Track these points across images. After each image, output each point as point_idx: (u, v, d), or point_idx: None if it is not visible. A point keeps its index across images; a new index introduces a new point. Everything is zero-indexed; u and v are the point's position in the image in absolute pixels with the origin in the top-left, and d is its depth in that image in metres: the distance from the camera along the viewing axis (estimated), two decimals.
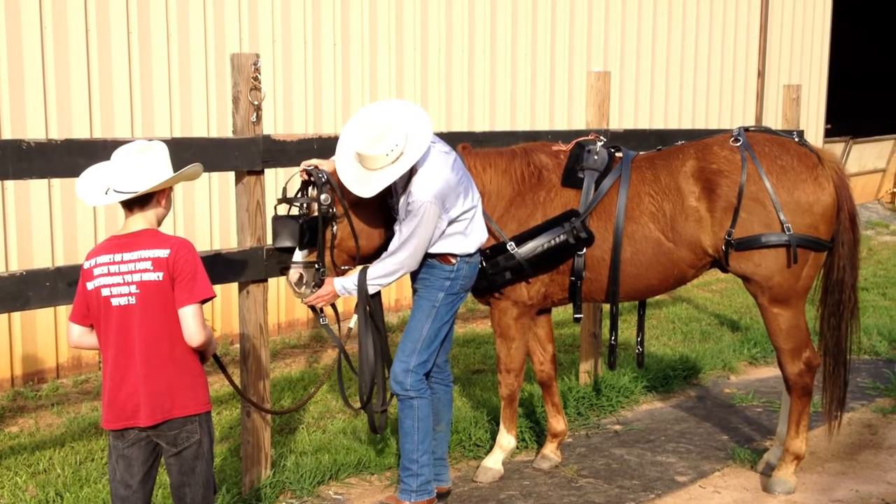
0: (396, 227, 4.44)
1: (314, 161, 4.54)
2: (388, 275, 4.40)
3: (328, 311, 4.67)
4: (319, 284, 4.47)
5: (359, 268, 4.56)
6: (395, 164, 4.23)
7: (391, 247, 4.40)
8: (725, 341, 7.90)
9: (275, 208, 4.64)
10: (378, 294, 4.56)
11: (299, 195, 4.54)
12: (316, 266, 4.46)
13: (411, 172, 4.32)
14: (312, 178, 4.44)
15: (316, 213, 4.44)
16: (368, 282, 4.41)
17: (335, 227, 4.45)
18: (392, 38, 9.08)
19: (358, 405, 4.80)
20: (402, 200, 4.39)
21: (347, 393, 5.27)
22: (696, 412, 6.30)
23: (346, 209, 4.45)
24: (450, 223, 4.40)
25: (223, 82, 7.72)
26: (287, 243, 4.46)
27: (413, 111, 4.36)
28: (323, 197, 4.38)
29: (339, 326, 4.80)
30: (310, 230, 4.42)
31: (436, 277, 4.51)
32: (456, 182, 4.39)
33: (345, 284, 4.45)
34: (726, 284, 10.42)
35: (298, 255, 4.48)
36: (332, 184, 4.41)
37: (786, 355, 4.80)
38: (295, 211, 4.55)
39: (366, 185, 4.26)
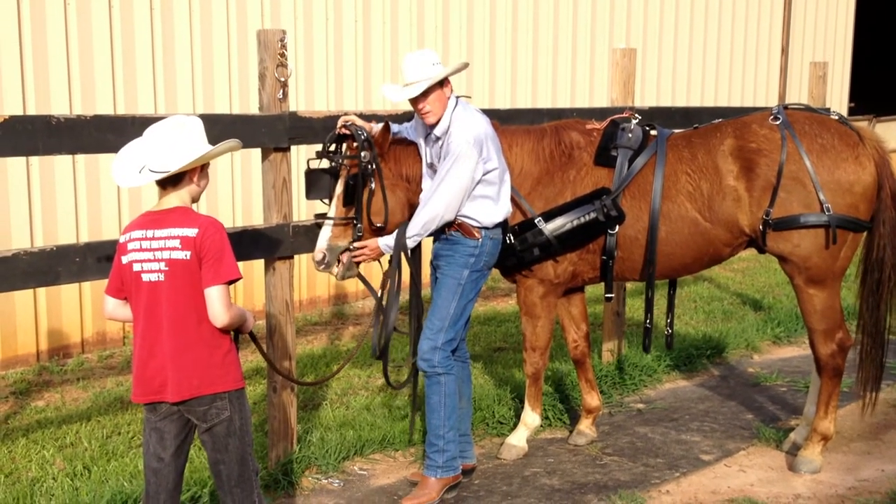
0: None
1: (352, 117, 4.55)
2: (424, 225, 4.40)
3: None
4: (357, 240, 4.52)
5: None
6: (434, 65, 4.29)
7: (424, 196, 4.42)
8: (748, 321, 7.86)
9: (308, 162, 4.65)
10: (417, 252, 4.62)
11: (335, 150, 4.58)
12: (354, 222, 4.49)
13: (449, 122, 4.36)
14: (351, 133, 4.48)
15: (346, 169, 4.47)
16: (406, 236, 4.43)
17: (372, 185, 4.47)
18: (413, 14, 9.02)
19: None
20: (441, 149, 4.40)
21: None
22: (719, 391, 6.28)
23: (379, 172, 4.47)
24: (484, 174, 4.38)
25: (245, 58, 7.70)
26: (320, 196, 4.56)
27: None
28: (363, 154, 4.41)
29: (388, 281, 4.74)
30: (351, 187, 4.44)
31: (460, 254, 4.50)
32: (493, 135, 4.46)
33: (388, 242, 4.48)
34: (748, 264, 10.36)
35: (333, 212, 4.51)
36: (371, 142, 4.44)
37: (819, 336, 4.76)
38: (326, 166, 4.59)
39: (407, 90, 4.31)
